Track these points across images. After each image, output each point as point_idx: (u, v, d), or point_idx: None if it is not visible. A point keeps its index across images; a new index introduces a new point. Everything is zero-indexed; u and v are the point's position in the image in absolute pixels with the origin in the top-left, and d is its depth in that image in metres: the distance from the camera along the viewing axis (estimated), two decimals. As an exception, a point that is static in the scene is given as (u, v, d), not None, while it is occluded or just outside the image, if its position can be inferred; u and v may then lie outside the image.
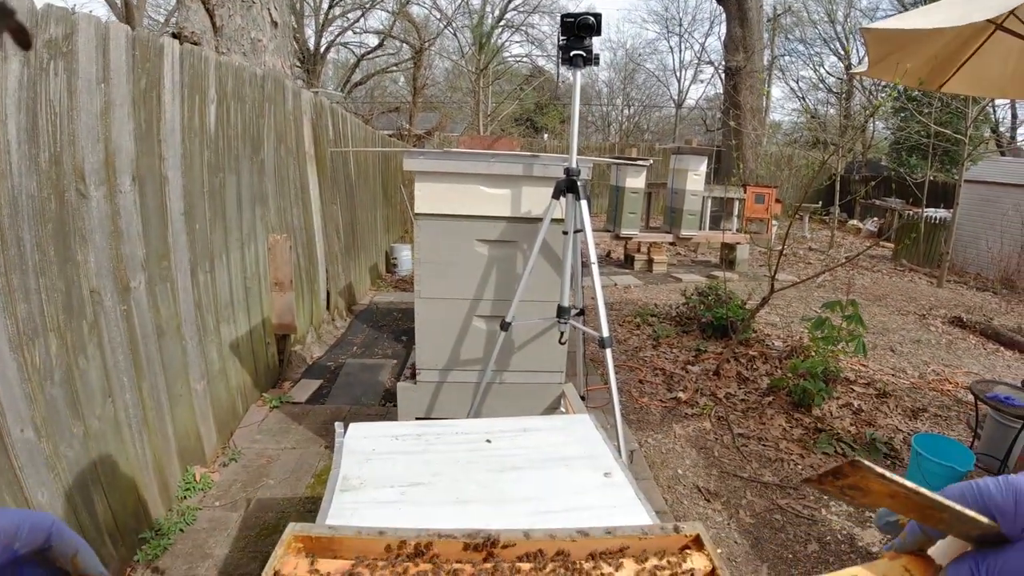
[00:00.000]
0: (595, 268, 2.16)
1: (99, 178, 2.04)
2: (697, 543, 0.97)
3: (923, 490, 0.45)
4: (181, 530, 2.46)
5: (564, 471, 1.36)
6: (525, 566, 0.86)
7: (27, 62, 1.70)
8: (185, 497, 2.65)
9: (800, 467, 3.31)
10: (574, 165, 2.13)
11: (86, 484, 2.00)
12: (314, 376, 4.18)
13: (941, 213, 9.61)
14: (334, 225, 5.34)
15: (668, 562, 0.90)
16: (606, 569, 0.86)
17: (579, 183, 2.13)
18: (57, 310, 1.85)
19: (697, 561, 0.92)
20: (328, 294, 5.17)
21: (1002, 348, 5.69)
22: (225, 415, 3.16)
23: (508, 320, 2.28)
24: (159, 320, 2.46)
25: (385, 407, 3.77)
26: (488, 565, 0.85)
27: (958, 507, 0.43)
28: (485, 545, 0.87)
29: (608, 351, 2.12)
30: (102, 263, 2.08)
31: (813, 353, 4.05)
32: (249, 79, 3.37)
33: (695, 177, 8.16)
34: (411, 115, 11.79)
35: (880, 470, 0.45)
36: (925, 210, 9.97)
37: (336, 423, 1.51)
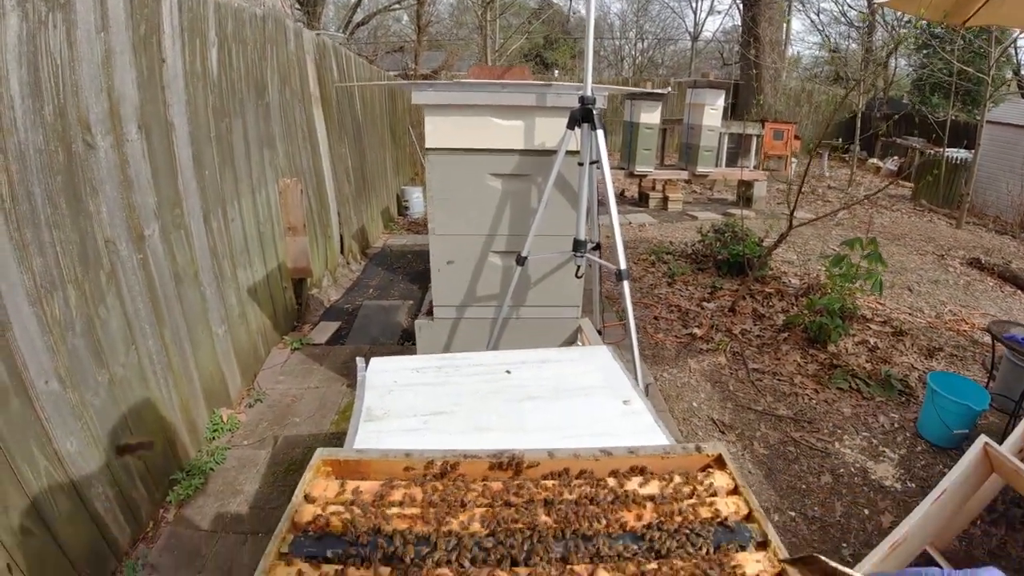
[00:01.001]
0: (612, 199, 2.11)
1: (105, 128, 2.01)
2: (719, 462, 0.98)
3: None
4: (211, 469, 2.55)
5: (583, 400, 1.37)
6: (551, 483, 0.87)
7: (26, 16, 1.66)
8: (214, 438, 2.74)
9: (815, 401, 3.33)
10: (589, 93, 2.04)
11: (115, 430, 2.06)
12: (332, 318, 4.24)
13: (962, 154, 9.27)
14: (343, 168, 5.28)
15: (691, 480, 0.91)
16: (630, 486, 0.88)
17: (595, 112, 2.05)
18: (73, 262, 1.86)
19: (719, 479, 0.93)
20: (342, 238, 5.18)
21: (1019, 291, 5.61)
22: (248, 358, 3.23)
23: (524, 255, 2.26)
24: (176, 267, 2.48)
25: (403, 346, 3.83)
26: (516, 482, 0.87)
27: None
28: (510, 464, 0.88)
29: (625, 283, 2.09)
30: (115, 213, 2.07)
31: (830, 290, 4.01)
32: (249, 20, 3.26)
33: (712, 112, 7.88)
34: (416, 54, 11.40)
35: (835, 564, 0.60)
36: (946, 150, 9.64)
37: (358, 358, 1.53)
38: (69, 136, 1.84)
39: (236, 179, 3.09)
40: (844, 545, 2.34)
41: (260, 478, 2.53)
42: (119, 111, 2.09)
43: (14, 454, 1.61)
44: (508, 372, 1.47)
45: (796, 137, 10.78)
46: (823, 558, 0.62)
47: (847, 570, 0.58)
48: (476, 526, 0.80)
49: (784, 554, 0.80)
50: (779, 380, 3.55)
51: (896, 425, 3.14)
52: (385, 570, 0.74)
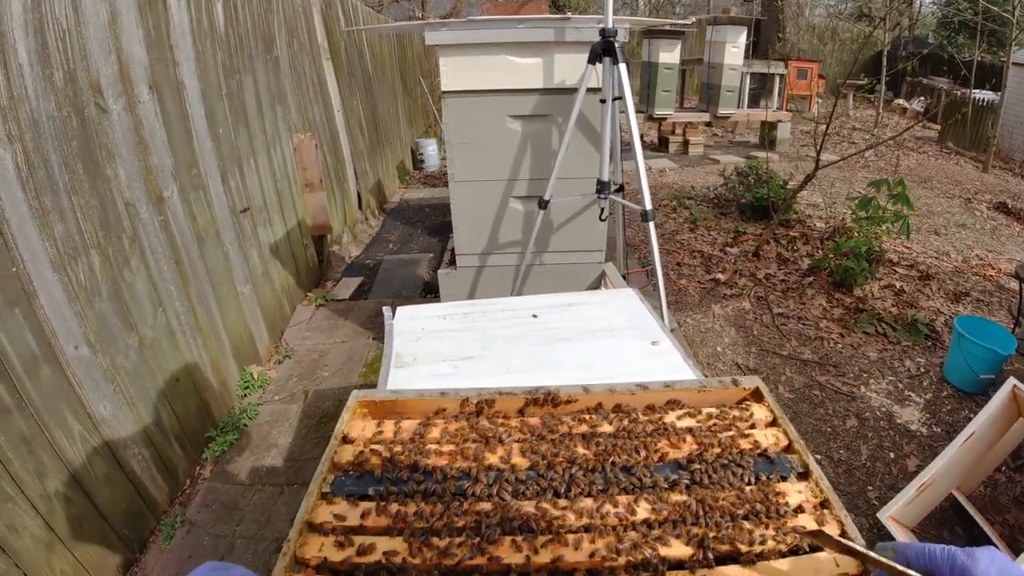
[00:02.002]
0: (636, 136, 2.03)
1: (116, 90, 1.98)
2: (756, 396, 0.96)
3: (867, 551, 0.61)
4: (245, 425, 2.61)
5: (612, 341, 1.36)
6: (588, 417, 0.87)
7: (28, -15, 1.62)
8: (245, 395, 2.80)
9: (840, 346, 3.30)
10: (610, 25, 1.94)
11: (147, 392, 2.09)
12: (354, 274, 4.26)
13: (989, 95, 8.84)
14: (356, 121, 5.21)
15: (729, 412, 0.90)
16: (668, 419, 0.87)
17: (617, 45, 1.95)
18: (95, 227, 1.86)
19: (757, 412, 0.91)
20: (359, 193, 5.15)
21: (1046, 237, 5.43)
22: (274, 316, 3.26)
23: (546, 198, 2.21)
24: (197, 228, 2.48)
25: (426, 299, 3.85)
26: (552, 418, 0.86)
27: (896, 565, 0.55)
28: (547, 400, 0.87)
29: (651, 224, 2.05)
30: (133, 176, 2.06)
31: (856, 233, 3.91)
32: (252, -31, 3.16)
33: (733, 50, 7.54)
34: (423, 1, 11.04)
35: (839, 538, 0.65)
36: (973, 91, 9.20)
37: (384, 307, 1.53)
38: (81, 101, 1.82)
39: (250, 136, 3.06)
40: (870, 488, 2.35)
41: (293, 431, 2.59)
42: (129, 73, 2.06)
43: (47, 421, 1.65)
44: (535, 316, 1.46)
45: (820, 76, 10.33)
46: (828, 533, 0.67)
47: (852, 544, 0.63)
48: (516, 460, 0.79)
49: (825, 483, 0.79)
50: (804, 324, 3.51)
51: (922, 369, 3.10)
52: (427, 505, 0.74)
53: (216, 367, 2.59)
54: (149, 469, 2.08)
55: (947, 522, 2.18)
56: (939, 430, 2.66)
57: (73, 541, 1.71)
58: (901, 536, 1.99)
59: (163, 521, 2.12)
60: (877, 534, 2.11)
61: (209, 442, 2.46)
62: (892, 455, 2.52)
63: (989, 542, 1.98)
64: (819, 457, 2.51)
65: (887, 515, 2.04)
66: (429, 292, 3.92)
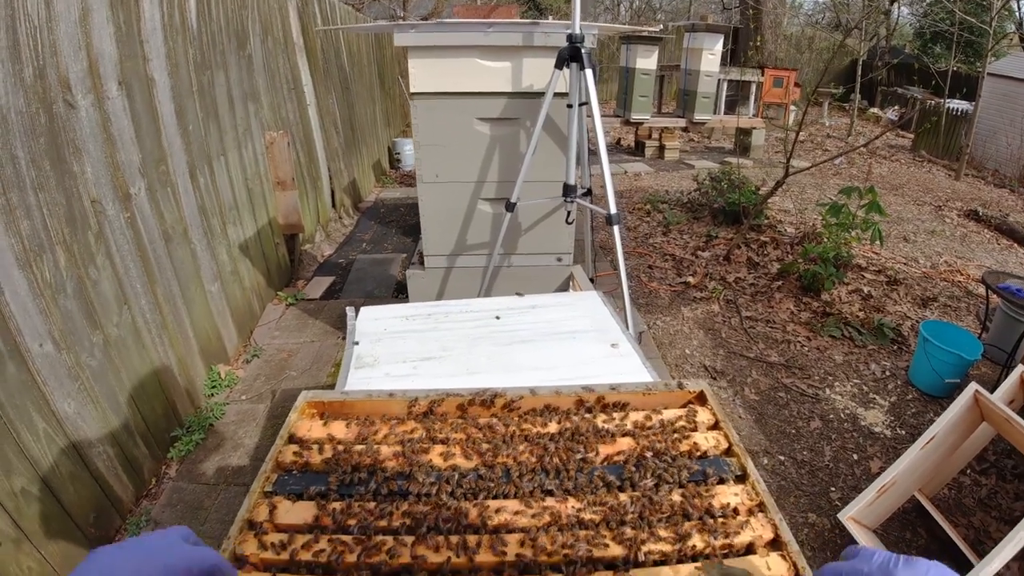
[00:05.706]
0: (601, 141, 2.05)
1: (85, 86, 1.97)
2: (700, 399, 0.99)
3: None
4: (211, 425, 2.59)
5: (572, 343, 1.38)
6: (533, 419, 0.88)
7: (-1, -20, 1.60)
8: (212, 394, 2.77)
9: (807, 349, 3.36)
10: (577, 31, 1.97)
11: (112, 390, 2.07)
12: (326, 273, 4.24)
13: (963, 105, 9.11)
14: (331, 120, 5.17)
15: (672, 415, 0.92)
16: (611, 421, 0.89)
17: (583, 51, 1.98)
18: (61, 224, 1.85)
19: (701, 415, 0.94)
20: (333, 192, 5.11)
21: (1015, 244, 5.57)
22: (243, 315, 3.23)
23: (513, 201, 2.23)
24: (164, 226, 2.46)
25: (397, 298, 3.85)
26: (498, 419, 0.88)
27: None
28: (492, 401, 0.89)
29: (616, 228, 2.07)
30: (100, 172, 2.04)
31: (826, 239, 3.99)
32: (227, -35, 3.12)
33: (710, 57, 7.66)
34: (404, 1, 11.00)
35: None
36: (947, 101, 9.47)
37: (347, 307, 1.53)
38: (50, 97, 1.81)
39: (221, 133, 3.02)
40: (832, 489, 2.39)
41: (260, 431, 2.57)
42: (98, 69, 2.04)
43: (12, 418, 1.63)
44: (498, 318, 1.47)
45: (796, 85, 10.52)
46: None
47: None
48: (458, 461, 0.81)
49: (762, 487, 0.81)
50: (772, 327, 3.57)
51: (887, 373, 3.17)
52: (368, 504, 0.75)
53: (183, 366, 2.56)
54: (114, 468, 2.06)
55: (910, 524, 2.23)
56: (903, 432, 2.72)
57: (40, 539, 1.69)
58: (861, 537, 2.03)
59: (128, 520, 2.10)
60: (838, 535, 2.15)
61: (175, 441, 2.43)
62: (855, 456, 2.56)
63: (951, 544, 2.02)
64: (782, 458, 2.55)
65: (847, 516, 2.06)
66: (401, 292, 3.91)
